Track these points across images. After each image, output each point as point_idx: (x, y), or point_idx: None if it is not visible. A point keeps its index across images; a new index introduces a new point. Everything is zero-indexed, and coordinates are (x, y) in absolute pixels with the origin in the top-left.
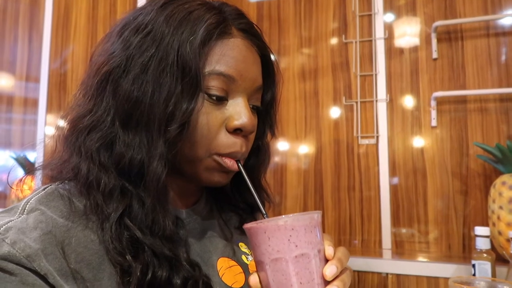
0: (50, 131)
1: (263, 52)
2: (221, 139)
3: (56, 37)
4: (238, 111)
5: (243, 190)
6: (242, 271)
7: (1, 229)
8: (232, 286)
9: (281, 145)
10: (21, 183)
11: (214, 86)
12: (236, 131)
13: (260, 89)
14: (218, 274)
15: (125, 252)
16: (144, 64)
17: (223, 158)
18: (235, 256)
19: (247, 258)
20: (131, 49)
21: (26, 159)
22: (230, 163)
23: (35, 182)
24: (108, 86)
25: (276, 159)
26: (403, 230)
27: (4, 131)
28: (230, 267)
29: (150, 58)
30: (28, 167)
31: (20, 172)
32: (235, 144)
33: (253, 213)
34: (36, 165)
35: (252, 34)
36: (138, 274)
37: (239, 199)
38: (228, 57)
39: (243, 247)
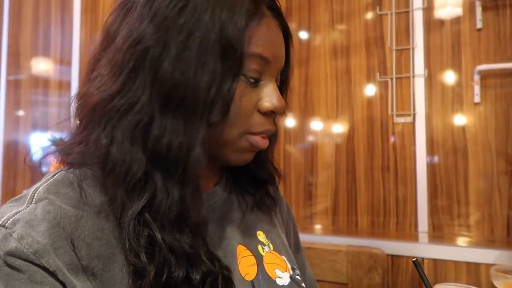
0: None
1: (285, 30)
2: (255, 119)
3: (86, 21)
4: (270, 93)
5: (257, 166)
6: (255, 263)
7: (9, 222)
8: (244, 277)
9: (312, 124)
10: (58, 164)
11: (252, 68)
12: (267, 112)
13: (281, 69)
14: (237, 261)
15: (141, 252)
16: (184, 42)
17: (255, 136)
18: (251, 245)
19: (263, 249)
20: (168, 25)
21: (62, 140)
22: (261, 142)
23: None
24: (145, 65)
25: (307, 138)
26: (441, 212)
27: (41, 114)
28: (245, 256)
29: (190, 36)
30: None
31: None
32: (267, 122)
33: (265, 189)
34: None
35: (278, 13)
36: (151, 278)
37: (253, 175)
38: (264, 38)
39: (261, 236)
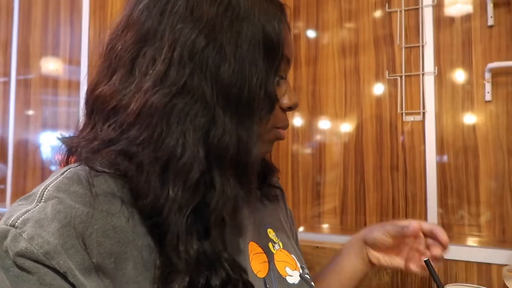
0: None
1: None
2: (279, 114)
3: (94, 20)
4: (288, 91)
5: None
6: (267, 260)
7: (18, 221)
8: (256, 274)
9: (320, 123)
10: (65, 162)
11: (281, 68)
12: (286, 109)
13: None
14: (249, 258)
15: (182, 255)
16: (236, 42)
17: (280, 130)
18: (262, 242)
19: (273, 246)
20: (216, 24)
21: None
22: (284, 134)
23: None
24: (203, 65)
25: (315, 137)
26: (451, 212)
27: (51, 113)
28: (257, 253)
29: (239, 35)
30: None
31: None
32: (286, 117)
33: (268, 180)
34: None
35: (286, 16)
36: (180, 285)
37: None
38: (289, 41)
39: (271, 233)
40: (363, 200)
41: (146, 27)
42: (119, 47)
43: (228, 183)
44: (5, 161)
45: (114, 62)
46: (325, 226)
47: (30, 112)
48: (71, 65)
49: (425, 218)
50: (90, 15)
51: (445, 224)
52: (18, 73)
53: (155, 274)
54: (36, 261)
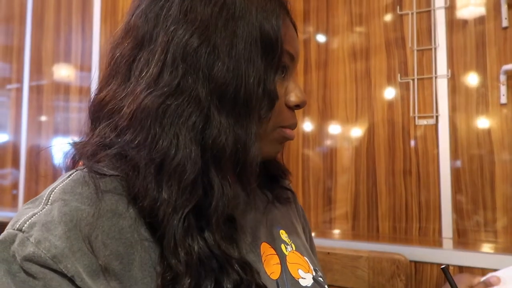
0: None
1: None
2: (285, 113)
3: (105, 27)
4: (295, 88)
5: (269, 162)
6: (279, 262)
7: (25, 225)
8: (269, 275)
9: (331, 128)
10: (71, 169)
11: (283, 65)
12: (293, 107)
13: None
14: (261, 259)
15: (181, 257)
16: (231, 41)
17: (286, 129)
18: (275, 243)
19: (286, 248)
20: (211, 24)
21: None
22: (292, 133)
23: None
24: (197, 65)
25: (326, 142)
26: (466, 218)
27: (63, 119)
28: (270, 254)
29: (234, 34)
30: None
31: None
32: (293, 116)
33: (280, 182)
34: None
35: (289, 13)
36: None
37: (266, 172)
38: (291, 36)
39: (283, 235)
40: (375, 206)
41: (142, 33)
42: (118, 54)
43: (227, 183)
44: (17, 167)
45: (113, 69)
46: (337, 231)
47: (43, 118)
48: (82, 71)
49: (439, 224)
50: (101, 22)
51: (460, 230)
52: (30, 80)
53: (158, 282)
54: (44, 265)
